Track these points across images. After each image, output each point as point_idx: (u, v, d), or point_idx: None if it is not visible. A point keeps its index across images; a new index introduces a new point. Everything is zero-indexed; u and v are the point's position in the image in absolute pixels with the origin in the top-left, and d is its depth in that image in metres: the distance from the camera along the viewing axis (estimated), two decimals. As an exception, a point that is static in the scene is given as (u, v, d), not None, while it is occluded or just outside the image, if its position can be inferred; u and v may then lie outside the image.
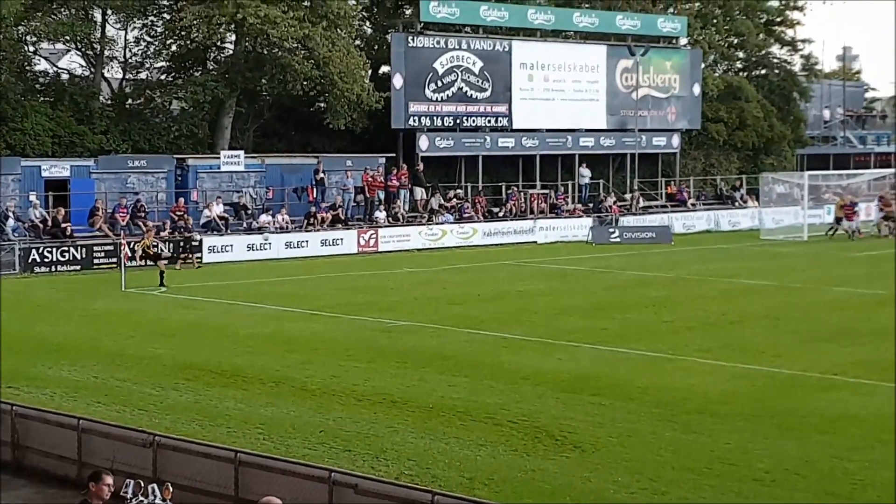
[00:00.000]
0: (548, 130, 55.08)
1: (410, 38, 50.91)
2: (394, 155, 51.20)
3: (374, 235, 45.69)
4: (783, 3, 69.17)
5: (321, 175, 47.41)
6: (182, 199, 43.64)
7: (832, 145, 76.20)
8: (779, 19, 69.26)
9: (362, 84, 49.67)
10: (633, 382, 20.10)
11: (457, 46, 52.09)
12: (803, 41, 70.89)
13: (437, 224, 48.20)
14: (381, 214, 47.58)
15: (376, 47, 56.09)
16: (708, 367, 21.50)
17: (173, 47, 50.40)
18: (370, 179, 48.09)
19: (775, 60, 69.84)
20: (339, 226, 46.08)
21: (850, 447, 15.86)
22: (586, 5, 61.47)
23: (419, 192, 50.65)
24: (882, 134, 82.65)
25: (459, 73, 52.06)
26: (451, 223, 48.54)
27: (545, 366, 21.55)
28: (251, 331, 25.80)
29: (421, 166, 50.86)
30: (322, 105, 51.61)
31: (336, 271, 38.49)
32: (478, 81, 52.59)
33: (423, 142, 51.12)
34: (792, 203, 54.18)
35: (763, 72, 69.18)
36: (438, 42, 51.53)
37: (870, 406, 18.32)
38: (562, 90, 55.69)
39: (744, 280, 35.55)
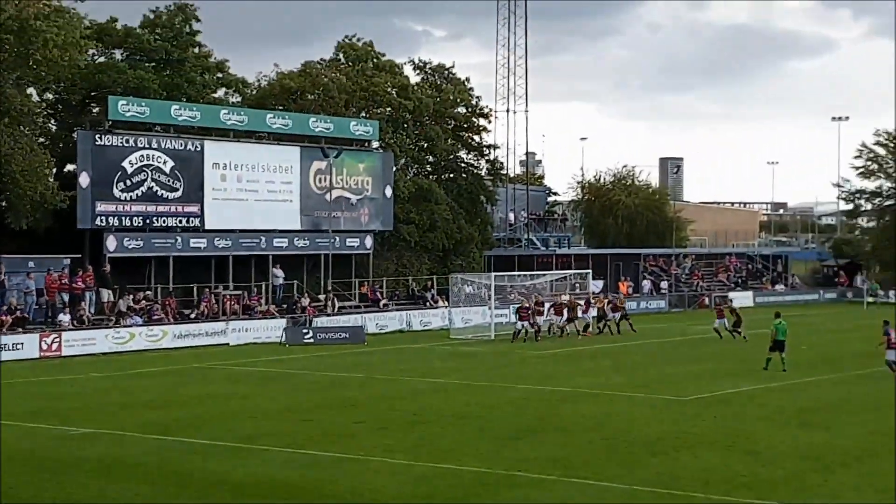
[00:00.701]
0: (241, 231, 54.80)
1: (98, 136, 49.78)
2: (80, 256, 49.61)
3: (58, 339, 43.91)
4: (470, 110, 71.84)
5: (1, 277, 45.32)
6: None
7: (517, 247, 79.20)
8: (466, 125, 71.82)
9: (46, 182, 48.15)
10: (323, 486, 19.96)
11: (147, 145, 51.30)
12: (489, 147, 73.88)
13: (124, 327, 46.85)
14: (65, 317, 45.84)
15: (62, 145, 54.55)
16: (399, 467, 21.61)
17: None
18: (53, 281, 46.35)
19: (463, 165, 72.26)
20: (20, 329, 44.03)
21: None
22: (280, 107, 61.99)
23: (106, 294, 49.19)
24: (562, 236, 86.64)
25: (150, 173, 51.22)
26: (140, 325, 47.32)
27: (235, 471, 21.11)
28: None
29: (108, 267, 49.49)
30: (2, 204, 49.53)
31: (16, 377, 36.64)
32: (168, 181, 51.88)
33: (110, 242, 49.83)
34: (480, 303, 55.77)
35: (452, 175, 71.37)
36: (127, 141, 50.60)
37: (551, 501, 18.84)
38: (255, 190, 55.65)
39: (433, 379, 36.15)
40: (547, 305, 53.72)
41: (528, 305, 50.99)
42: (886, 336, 36.79)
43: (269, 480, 20.40)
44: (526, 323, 50.11)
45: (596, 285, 62.50)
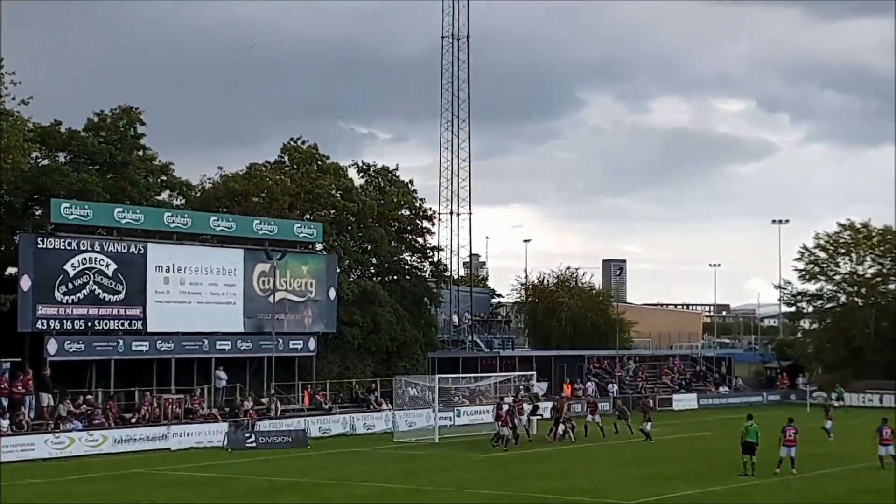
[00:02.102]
0: (184, 333, 54.31)
1: (40, 239, 49.36)
2: (20, 359, 48.83)
3: (-5, 445, 43.08)
4: (413, 212, 72.22)
5: (-62, 380, 44.61)
6: None
7: (461, 349, 79.07)
8: (410, 227, 72.13)
9: (-14, 286, 47.55)
10: None
11: (89, 248, 50.88)
12: (433, 249, 74.11)
13: (64, 432, 46.06)
14: (3, 422, 45.03)
15: (3, 248, 54.10)
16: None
17: None
18: (-8, 385, 45.65)
19: (407, 267, 72.38)
20: (-44, 435, 43.21)
21: None
22: (224, 209, 61.92)
23: (46, 399, 48.38)
24: (506, 338, 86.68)
25: (92, 276, 50.76)
26: (80, 430, 46.54)
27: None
28: None
29: (48, 371, 48.76)
30: (-59, 307, 48.95)
31: (-50, 485, 35.85)
32: (111, 284, 51.42)
33: (51, 345, 49.13)
34: (424, 405, 55.48)
35: (396, 277, 71.44)
36: (70, 244, 50.16)
37: None
38: (198, 293, 55.25)
39: (377, 483, 35.80)
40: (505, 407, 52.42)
41: (505, 408, 49.64)
42: (783, 433, 37.12)
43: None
44: (506, 428, 48.34)
45: (540, 387, 62.39)
